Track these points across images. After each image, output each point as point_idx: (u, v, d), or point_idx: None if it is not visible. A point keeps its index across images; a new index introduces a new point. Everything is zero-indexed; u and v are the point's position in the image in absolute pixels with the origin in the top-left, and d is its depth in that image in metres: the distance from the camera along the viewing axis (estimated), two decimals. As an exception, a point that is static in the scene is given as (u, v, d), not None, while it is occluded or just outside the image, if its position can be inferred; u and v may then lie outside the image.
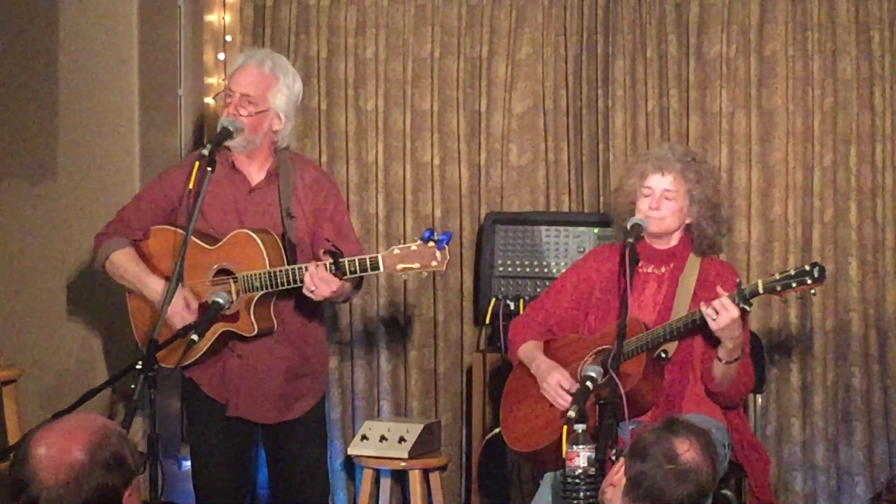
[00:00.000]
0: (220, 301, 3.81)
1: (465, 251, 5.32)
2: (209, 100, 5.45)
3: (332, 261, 3.91)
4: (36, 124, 5.07)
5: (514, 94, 5.30)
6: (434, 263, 3.86)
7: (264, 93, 4.13)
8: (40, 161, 5.07)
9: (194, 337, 3.66)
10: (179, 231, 4.12)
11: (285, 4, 5.41)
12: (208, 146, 3.98)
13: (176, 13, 5.29)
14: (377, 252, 4.02)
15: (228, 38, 5.47)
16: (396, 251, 3.89)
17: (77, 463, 2.30)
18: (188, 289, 4.06)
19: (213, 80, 5.46)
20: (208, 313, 3.80)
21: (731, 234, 5.11)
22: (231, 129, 4.07)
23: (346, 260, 3.92)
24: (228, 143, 4.10)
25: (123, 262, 4.18)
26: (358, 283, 4.19)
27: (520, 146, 5.31)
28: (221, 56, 5.48)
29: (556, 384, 4.02)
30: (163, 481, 3.43)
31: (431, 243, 3.85)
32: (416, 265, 3.87)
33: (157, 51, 5.14)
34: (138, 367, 3.47)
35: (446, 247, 3.87)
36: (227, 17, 5.49)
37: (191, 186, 3.92)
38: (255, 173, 4.20)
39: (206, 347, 4.08)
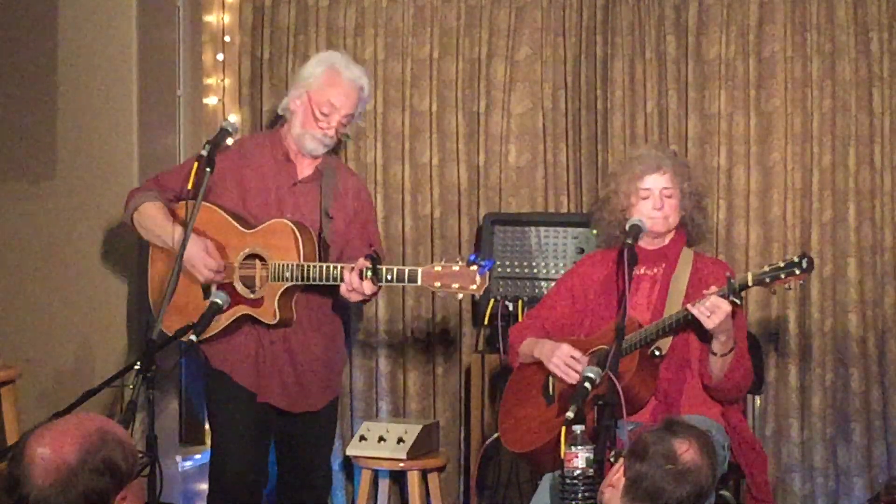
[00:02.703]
0: (219, 302, 3.83)
1: (464, 252, 5.32)
2: (208, 100, 5.45)
3: (370, 265, 3.98)
4: (35, 124, 5.06)
5: (513, 95, 5.31)
6: (473, 287, 3.93)
7: (355, 112, 4.30)
8: (39, 161, 5.06)
9: (193, 337, 3.68)
10: (215, 208, 4.19)
11: (284, 5, 5.42)
12: (207, 147, 4.00)
13: (175, 13, 5.29)
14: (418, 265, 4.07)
15: (227, 38, 5.47)
16: (437, 269, 3.96)
17: (67, 466, 2.30)
18: (209, 241, 4.12)
19: (212, 81, 5.46)
20: (207, 314, 3.81)
21: (730, 234, 5.13)
22: (230, 129, 4.11)
23: (384, 268, 4.00)
24: (309, 150, 4.23)
25: (152, 213, 4.25)
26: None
27: (518, 147, 5.32)
28: (220, 56, 5.48)
29: (567, 355, 4.02)
30: (161, 482, 3.43)
31: (475, 267, 3.91)
32: (456, 285, 3.95)
33: (156, 51, 5.14)
34: (137, 367, 3.47)
35: (487, 273, 3.93)
36: (226, 18, 5.50)
37: (189, 187, 3.94)
38: (306, 167, 4.30)
39: (222, 326, 4.15)
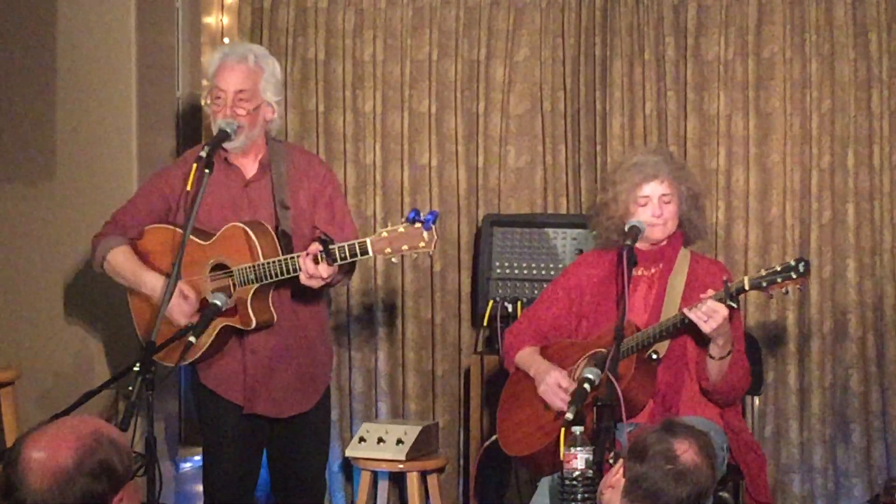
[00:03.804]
0: (218, 303, 3.82)
1: (463, 253, 5.33)
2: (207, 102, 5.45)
3: (322, 248, 3.92)
4: (33, 126, 5.06)
5: (512, 97, 5.31)
6: (422, 244, 3.84)
7: (255, 87, 4.13)
8: (38, 162, 5.06)
9: (192, 339, 3.67)
10: (176, 229, 4.13)
11: (283, 6, 5.42)
12: (206, 148, 3.98)
13: (174, 15, 5.29)
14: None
15: (226, 40, 5.47)
16: (384, 234, 3.87)
17: (63, 469, 2.29)
18: (183, 280, 4.05)
19: (212, 83, 5.47)
20: (206, 315, 3.80)
21: (729, 235, 5.13)
22: (229, 130, 4.08)
23: (336, 246, 3.92)
24: (229, 144, 4.11)
25: (120, 261, 4.19)
26: (349, 269, 4.18)
27: (518, 148, 5.31)
28: (219, 58, 5.48)
29: (555, 384, 4.03)
30: (160, 484, 3.43)
31: (418, 224, 3.82)
32: (406, 247, 3.85)
33: (155, 53, 5.14)
34: (136, 368, 3.47)
35: (434, 227, 3.83)
36: (225, 19, 5.50)
37: (189, 189, 3.93)
38: (250, 166, 4.21)
39: (207, 344, 4.09)
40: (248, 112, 4.11)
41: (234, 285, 4.06)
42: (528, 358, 4.19)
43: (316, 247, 3.94)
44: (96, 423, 2.40)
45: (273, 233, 4.11)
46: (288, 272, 3.98)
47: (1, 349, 4.95)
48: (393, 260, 3.95)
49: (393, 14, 5.36)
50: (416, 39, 5.35)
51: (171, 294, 3.86)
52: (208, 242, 4.10)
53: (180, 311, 4.03)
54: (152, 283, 4.13)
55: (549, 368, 4.08)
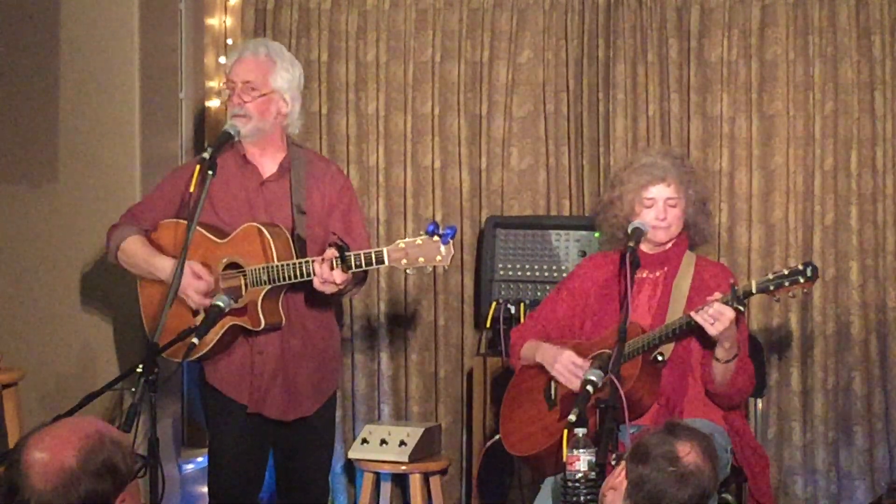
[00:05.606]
0: (221, 304, 3.81)
1: (466, 255, 5.33)
2: (210, 103, 5.45)
3: (338, 254, 3.93)
4: (37, 127, 5.07)
5: (515, 98, 5.31)
6: (438, 258, 3.86)
7: (265, 77, 4.15)
8: (41, 164, 5.07)
9: (194, 340, 3.67)
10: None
11: (286, 7, 5.42)
12: (209, 150, 3.99)
13: (177, 16, 5.29)
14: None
15: (229, 41, 5.48)
16: (401, 245, 3.89)
17: (67, 469, 2.30)
18: (195, 262, 4.07)
19: (215, 84, 5.47)
20: (209, 317, 3.80)
21: (732, 237, 5.13)
22: (232, 132, 4.09)
23: (351, 254, 3.93)
24: (240, 135, 4.13)
25: (134, 248, 4.22)
26: (361, 279, 4.21)
27: (520, 150, 5.32)
28: (222, 59, 5.48)
29: (569, 362, 4.01)
30: (163, 485, 3.43)
31: (436, 237, 3.84)
32: (422, 259, 3.87)
33: (158, 54, 5.14)
34: (139, 370, 3.47)
35: (451, 241, 3.85)
36: (228, 21, 5.50)
37: (191, 190, 3.94)
38: (268, 165, 4.22)
39: (213, 341, 4.10)
40: (255, 99, 4.13)
41: (247, 285, 4.07)
42: (532, 347, 4.19)
43: (332, 252, 3.95)
44: (98, 424, 2.40)
45: (289, 236, 4.12)
46: (301, 276, 3.99)
47: (4, 350, 4.95)
48: (407, 271, 3.96)
49: (396, 16, 5.36)
50: (419, 41, 5.36)
51: (174, 296, 3.85)
52: (223, 241, 4.12)
53: (195, 288, 4.05)
54: (164, 266, 4.13)
55: (559, 349, 4.07)
